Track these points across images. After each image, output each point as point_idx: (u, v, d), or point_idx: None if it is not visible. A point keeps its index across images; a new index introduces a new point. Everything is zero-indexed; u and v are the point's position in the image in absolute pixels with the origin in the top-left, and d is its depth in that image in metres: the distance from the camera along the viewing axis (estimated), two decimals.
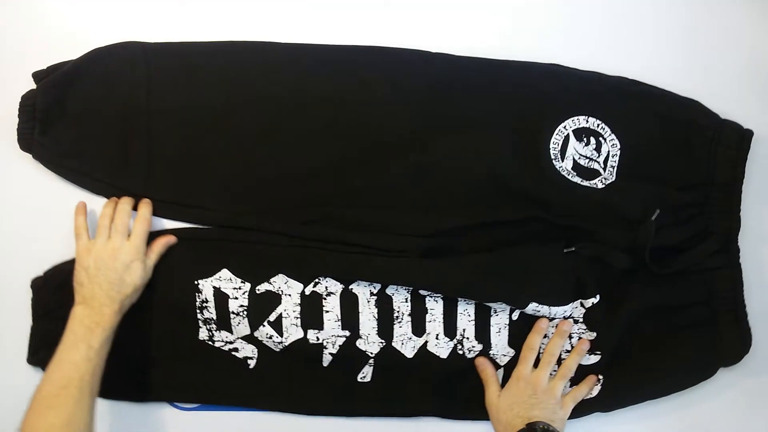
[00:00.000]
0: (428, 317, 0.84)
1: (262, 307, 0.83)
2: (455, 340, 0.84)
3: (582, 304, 0.83)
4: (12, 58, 0.87)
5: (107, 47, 0.84)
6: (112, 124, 0.84)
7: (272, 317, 0.83)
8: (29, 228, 0.86)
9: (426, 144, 0.84)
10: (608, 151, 0.84)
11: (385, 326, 0.84)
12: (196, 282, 0.83)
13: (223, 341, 0.83)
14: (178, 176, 0.84)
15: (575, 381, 0.83)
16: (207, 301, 0.83)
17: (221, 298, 0.83)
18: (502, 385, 0.83)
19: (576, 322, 0.83)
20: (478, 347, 0.83)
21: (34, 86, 0.84)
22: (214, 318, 0.83)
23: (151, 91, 0.84)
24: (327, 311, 0.83)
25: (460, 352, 0.84)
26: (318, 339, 0.83)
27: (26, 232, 0.86)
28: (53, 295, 0.82)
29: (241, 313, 0.83)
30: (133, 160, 0.84)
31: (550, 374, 0.83)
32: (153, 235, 0.83)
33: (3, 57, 0.87)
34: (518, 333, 0.84)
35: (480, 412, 0.84)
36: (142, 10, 0.88)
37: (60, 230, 0.84)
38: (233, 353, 0.83)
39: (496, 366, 0.84)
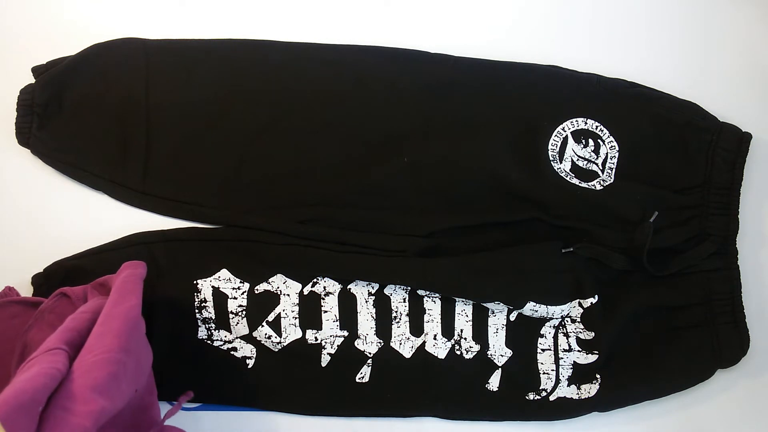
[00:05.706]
0: (426, 317, 0.84)
1: (260, 307, 0.83)
2: (453, 341, 0.84)
3: (580, 304, 0.83)
4: (11, 52, 0.86)
5: (107, 43, 0.84)
6: (111, 119, 0.83)
7: (271, 317, 0.83)
8: (28, 224, 0.85)
9: (424, 144, 0.84)
10: (606, 153, 0.84)
11: (383, 326, 0.83)
12: (195, 282, 0.82)
13: (221, 340, 0.83)
14: (176, 173, 0.84)
15: (575, 381, 0.83)
16: (206, 301, 0.82)
17: (220, 298, 0.82)
18: (501, 383, 0.83)
19: (574, 321, 0.83)
20: (476, 348, 0.83)
21: (33, 81, 0.83)
22: (213, 317, 0.82)
23: (150, 87, 0.83)
24: (325, 311, 0.83)
25: (458, 352, 0.84)
26: (316, 339, 0.83)
27: (25, 229, 0.85)
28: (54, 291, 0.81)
29: (240, 313, 0.82)
30: (131, 156, 0.83)
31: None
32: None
33: (2, 52, 0.87)
34: (516, 333, 0.84)
35: (478, 413, 0.84)
36: (142, 7, 0.88)
37: (59, 226, 0.84)
38: (232, 353, 0.83)
39: (494, 366, 0.83)
